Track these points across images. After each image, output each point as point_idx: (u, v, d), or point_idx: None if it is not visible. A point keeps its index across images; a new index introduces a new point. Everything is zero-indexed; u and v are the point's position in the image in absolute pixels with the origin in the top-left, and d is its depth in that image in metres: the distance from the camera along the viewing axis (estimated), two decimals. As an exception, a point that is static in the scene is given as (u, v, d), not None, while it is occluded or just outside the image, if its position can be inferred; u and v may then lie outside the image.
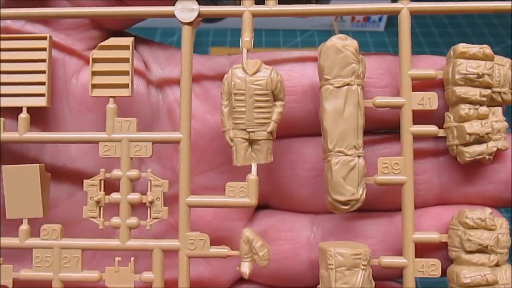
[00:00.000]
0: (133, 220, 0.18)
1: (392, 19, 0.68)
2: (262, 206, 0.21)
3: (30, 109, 0.18)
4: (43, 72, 0.18)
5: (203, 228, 0.19)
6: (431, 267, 0.17)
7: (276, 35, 0.58)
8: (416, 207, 0.18)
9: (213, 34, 0.62)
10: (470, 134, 0.17)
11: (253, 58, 0.19)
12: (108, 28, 0.20)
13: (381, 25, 0.61)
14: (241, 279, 0.21)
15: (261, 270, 0.18)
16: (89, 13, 0.18)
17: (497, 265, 0.17)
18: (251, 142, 0.18)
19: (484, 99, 0.17)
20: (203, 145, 0.20)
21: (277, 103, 0.18)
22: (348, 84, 0.17)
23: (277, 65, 0.19)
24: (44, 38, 0.18)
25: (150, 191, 0.18)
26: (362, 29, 0.62)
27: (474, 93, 0.17)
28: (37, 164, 0.18)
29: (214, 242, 0.18)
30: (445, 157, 0.19)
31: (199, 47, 0.58)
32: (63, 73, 0.19)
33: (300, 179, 0.20)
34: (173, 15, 0.18)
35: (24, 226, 0.18)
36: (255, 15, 0.18)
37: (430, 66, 0.18)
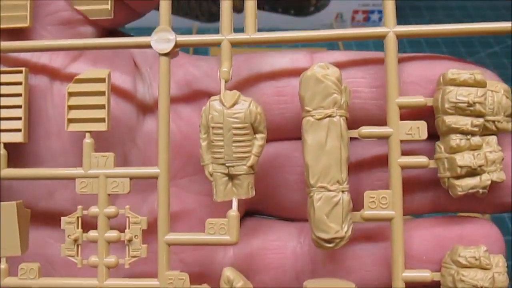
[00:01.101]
0: (112, 259, 0.17)
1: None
2: (250, 212, 0.21)
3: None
4: (19, 107, 0.18)
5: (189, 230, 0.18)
6: (423, 307, 0.16)
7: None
8: (411, 212, 0.18)
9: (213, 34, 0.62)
10: (461, 167, 0.16)
11: (247, 56, 0.19)
12: (102, 26, 0.19)
13: (381, 25, 0.61)
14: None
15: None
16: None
17: (494, 306, 0.16)
18: (231, 177, 0.17)
19: (476, 129, 0.16)
20: (189, 148, 0.19)
21: (258, 135, 0.17)
22: (330, 116, 0.16)
23: (268, 66, 0.19)
24: (20, 72, 0.18)
25: (128, 228, 0.18)
26: None
27: (465, 122, 0.16)
28: (14, 202, 0.18)
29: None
30: None
31: (199, 49, 0.59)
32: (50, 68, 0.19)
33: (290, 183, 0.20)
34: (149, 46, 0.18)
35: (2, 265, 0.18)
36: (233, 43, 0.18)
37: (423, 74, 0.17)
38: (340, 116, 0.16)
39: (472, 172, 0.16)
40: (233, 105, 0.17)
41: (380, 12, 0.61)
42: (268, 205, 0.21)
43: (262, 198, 0.20)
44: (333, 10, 0.62)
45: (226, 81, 0.17)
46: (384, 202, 0.17)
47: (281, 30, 0.18)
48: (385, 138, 0.17)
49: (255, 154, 0.17)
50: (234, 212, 0.17)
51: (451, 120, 0.16)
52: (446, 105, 0.16)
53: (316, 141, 0.16)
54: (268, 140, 0.18)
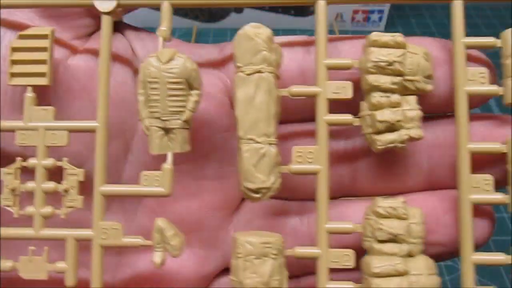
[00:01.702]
0: (48, 209, 0.18)
1: (392, 19, 0.69)
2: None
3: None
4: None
5: (187, 218, 0.19)
6: (345, 257, 0.17)
7: (276, 35, 0.58)
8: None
9: (213, 34, 0.63)
10: (381, 122, 0.17)
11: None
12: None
13: (381, 25, 0.62)
14: (226, 269, 0.21)
15: None
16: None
17: (410, 255, 0.17)
18: (167, 131, 0.18)
19: (395, 86, 0.17)
20: (190, 133, 0.19)
21: (193, 92, 0.18)
22: (259, 72, 0.17)
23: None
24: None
25: (65, 180, 0.18)
26: (362, 29, 0.63)
27: (384, 80, 0.17)
28: None
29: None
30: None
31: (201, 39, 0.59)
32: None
33: (362, 170, 0.20)
34: (92, 5, 0.18)
35: None
36: (174, 5, 0.18)
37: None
38: (270, 72, 0.17)
39: (391, 128, 0.17)
40: (169, 61, 0.18)
41: (380, 12, 0.61)
42: None
43: None
44: (333, 10, 0.63)
45: (164, 39, 0.18)
46: (311, 156, 0.18)
47: (281, 30, 0.19)
48: (313, 96, 0.18)
49: (190, 110, 0.18)
50: (168, 165, 0.18)
51: (372, 78, 0.17)
52: (368, 65, 0.17)
53: (246, 96, 0.17)
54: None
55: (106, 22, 0.18)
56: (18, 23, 0.19)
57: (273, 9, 0.62)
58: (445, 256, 0.18)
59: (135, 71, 0.20)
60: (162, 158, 0.18)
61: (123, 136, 0.20)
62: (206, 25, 0.61)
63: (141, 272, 0.21)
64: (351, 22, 0.63)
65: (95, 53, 0.19)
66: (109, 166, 0.19)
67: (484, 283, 0.39)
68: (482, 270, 0.39)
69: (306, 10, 0.63)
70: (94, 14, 0.19)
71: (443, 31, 0.62)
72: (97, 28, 0.20)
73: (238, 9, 0.62)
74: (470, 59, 0.18)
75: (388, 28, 0.62)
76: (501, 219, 0.45)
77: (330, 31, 0.60)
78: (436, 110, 0.19)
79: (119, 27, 0.21)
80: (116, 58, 0.20)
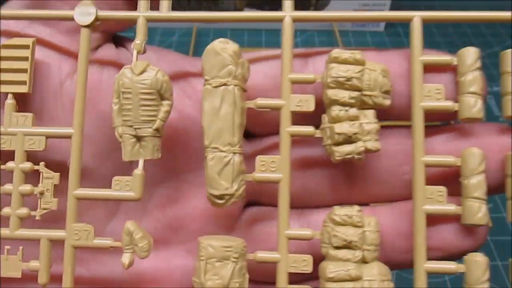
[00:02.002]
0: (24, 211, 0.19)
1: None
2: (251, 203, 0.22)
3: (22, 108, 0.19)
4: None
5: (193, 221, 0.20)
6: (303, 262, 0.18)
7: (276, 35, 0.60)
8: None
9: (213, 34, 0.64)
10: (339, 134, 0.18)
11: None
12: (109, 31, 0.21)
13: (381, 25, 0.63)
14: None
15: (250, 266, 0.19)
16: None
17: (365, 261, 0.18)
18: (139, 139, 0.19)
19: (353, 101, 0.18)
20: (193, 143, 0.21)
21: (164, 102, 0.19)
22: (224, 84, 0.18)
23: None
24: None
25: (41, 183, 0.19)
26: (362, 29, 0.63)
27: (343, 95, 0.18)
28: None
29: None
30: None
31: (200, 47, 0.60)
32: (58, 74, 0.20)
33: (322, 179, 0.21)
34: (72, 18, 0.19)
35: None
36: (149, 20, 0.19)
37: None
38: (235, 85, 0.18)
39: (349, 140, 0.18)
40: (142, 72, 0.19)
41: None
42: (268, 195, 0.22)
43: (263, 189, 0.21)
44: (333, 10, 0.63)
45: (138, 52, 0.19)
46: (273, 165, 0.19)
47: (281, 30, 0.19)
48: (278, 109, 0.19)
49: (160, 119, 0.19)
50: (139, 171, 0.19)
51: (332, 93, 0.18)
52: (329, 80, 0.18)
53: (211, 107, 0.18)
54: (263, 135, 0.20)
55: (85, 35, 0.19)
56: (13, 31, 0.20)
57: (273, 9, 0.62)
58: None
59: None
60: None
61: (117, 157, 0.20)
62: (206, 25, 0.62)
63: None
64: (351, 23, 0.64)
65: (101, 64, 0.20)
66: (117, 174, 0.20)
67: None
68: None
69: (306, 10, 0.63)
70: (101, 29, 0.20)
71: (443, 31, 0.61)
72: (105, 40, 0.21)
73: (238, 9, 0.62)
74: None
75: (388, 28, 0.61)
76: (501, 219, 0.45)
77: (330, 31, 0.61)
78: (398, 119, 0.20)
79: (122, 41, 0.22)
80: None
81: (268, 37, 0.61)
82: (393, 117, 0.20)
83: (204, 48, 0.19)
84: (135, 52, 0.19)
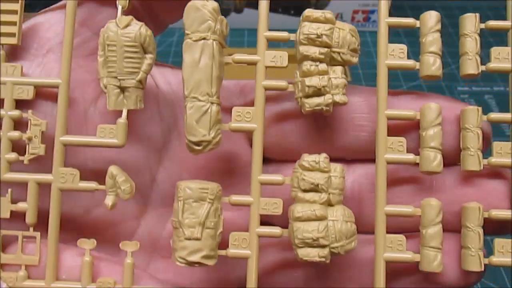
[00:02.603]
0: (12, 155, 0.20)
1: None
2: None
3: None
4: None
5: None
6: (274, 205, 0.20)
7: None
8: None
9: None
10: (309, 87, 0.19)
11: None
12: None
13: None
14: None
15: None
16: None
17: (330, 204, 0.19)
18: (123, 90, 0.20)
19: (323, 56, 0.19)
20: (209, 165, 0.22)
21: (147, 55, 0.20)
22: (204, 39, 0.19)
23: None
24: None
25: (30, 130, 0.20)
26: (362, 29, 0.64)
27: (314, 51, 0.19)
28: None
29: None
30: None
31: None
32: (83, 101, 0.21)
33: (296, 131, 0.22)
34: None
35: None
36: (134, -22, 0.21)
37: None
38: (214, 40, 0.19)
39: (318, 93, 0.19)
40: (126, 26, 0.20)
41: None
42: (278, 150, 0.22)
43: (272, 145, 0.21)
44: (333, 10, 0.63)
45: (122, 8, 0.20)
46: (248, 116, 0.20)
47: (281, 30, 0.20)
48: (253, 64, 0.20)
49: (143, 71, 0.20)
50: (122, 120, 0.20)
51: (304, 48, 0.19)
52: (301, 37, 0.19)
53: (192, 59, 0.19)
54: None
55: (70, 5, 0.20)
56: None
57: (273, 9, 0.63)
58: None
59: (160, 108, 0.22)
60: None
61: (149, 169, 0.22)
62: None
63: None
64: (351, 22, 0.65)
65: None
66: (138, 194, 0.21)
67: (485, 283, 0.40)
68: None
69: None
70: None
71: (443, 31, 0.63)
72: None
73: (238, 9, 0.63)
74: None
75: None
76: None
77: None
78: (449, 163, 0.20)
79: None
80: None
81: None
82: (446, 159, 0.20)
83: None
84: (120, 7, 0.20)
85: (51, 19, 0.21)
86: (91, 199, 0.21)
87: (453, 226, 0.20)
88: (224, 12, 0.64)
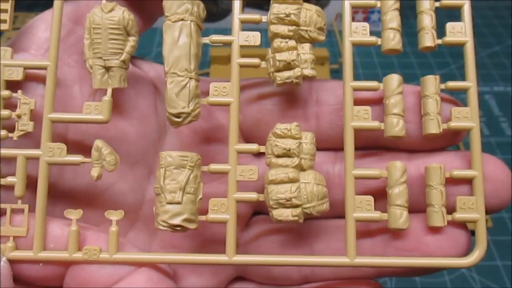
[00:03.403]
0: (2, 132, 0.21)
1: None
2: (257, 212, 0.25)
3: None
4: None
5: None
6: (250, 171, 0.21)
7: None
8: None
9: (213, 34, 0.65)
10: (279, 61, 0.21)
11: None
12: None
13: (381, 25, 0.65)
14: (236, 279, 0.24)
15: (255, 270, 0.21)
16: None
17: (303, 169, 0.21)
18: (107, 70, 0.22)
19: (291, 33, 0.21)
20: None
21: (130, 38, 0.22)
22: (182, 20, 0.21)
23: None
24: None
25: (19, 108, 0.21)
26: None
27: (283, 29, 0.21)
28: None
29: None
30: None
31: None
32: (81, 96, 0.22)
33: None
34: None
35: None
36: (117, -31, 0.22)
37: None
38: (191, 21, 0.21)
39: (288, 67, 0.21)
40: (110, 11, 0.21)
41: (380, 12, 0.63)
42: None
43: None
44: (333, 10, 0.65)
45: (107, -3, 0.22)
46: (225, 91, 0.21)
47: None
48: (229, 43, 0.22)
49: (127, 52, 0.22)
50: (107, 97, 0.21)
51: (274, 27, 0.21)
52: (271, 17, 0.21)
53: (171, 38, 0.21)
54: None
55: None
56: None
57: None
58: None
59: (157, 105, 0.24)
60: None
61: (146, 163, 0.23)
62: (206, 25, 0.64)
63: None
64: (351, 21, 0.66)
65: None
66: (135, 187, 0.23)
67: (485, 283, 0.40)
68: (483, 271, 0.41)
69: None
70: None
71: (443, 31, 0.64)
72: None
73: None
74: (444, 100, 0.21)
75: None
76: (501, 219, 0.46)
77: (330, 31, 0.63)
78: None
79: (138, 64, 0.24)
80: (139, 91, 0.23)
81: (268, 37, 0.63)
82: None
83: (204, 48, 0.22)
84: (105, -4, 0.22)
85: (49, 20, 0.22)
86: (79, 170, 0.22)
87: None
88: (224, 12, 0.65)
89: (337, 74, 0.58)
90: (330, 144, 0.23)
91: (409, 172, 0.21)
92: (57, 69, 0.21)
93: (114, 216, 0.21)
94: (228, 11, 0.65)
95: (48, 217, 0.21)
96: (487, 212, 0.20)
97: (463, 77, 0.21)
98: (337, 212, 0.22)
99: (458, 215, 0.20)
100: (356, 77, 0.21)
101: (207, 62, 0.60)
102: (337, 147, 0.22)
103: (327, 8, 0.66)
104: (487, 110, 0.56)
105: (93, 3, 0.22)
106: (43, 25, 0.22)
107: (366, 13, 0.63)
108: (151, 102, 0.24)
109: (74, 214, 0.21)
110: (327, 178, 0.22)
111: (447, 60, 0.62)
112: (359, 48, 0.64)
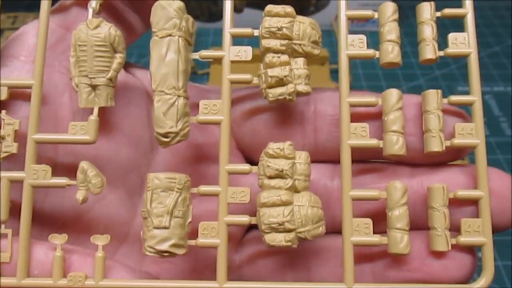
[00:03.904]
0: (-14, 154, 0.21)
1: None
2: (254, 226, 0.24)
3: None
4: None
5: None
6: (241, 193, 0.20)
7: None
8: None
9: (213, 34, 0.65)
10: (271, 77, 0.20)
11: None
12: None
13: (379, 37, 0.65)
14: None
15: None
16: None
17: (297, 191, 0.19)
18: (93, 88, 0.21)
19: (284, 48, 0.20)
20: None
21: (117, 55, 0.21)
22: (170, 35, 0.20)
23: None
24: None
25: (3, 128, 0.21)
26: (362, 29, 0.65)
27: (275, 43, 0.20)
28: None
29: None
30: None
31: (200, 47, 0.61)
32: (68, 88, 0.21)
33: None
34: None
35: None
36: (105, -16, 0.22)
37: None
38: (179, 36, 0.20)
39: (281, 83, 0.20)
40: (96, 27, 0.21)
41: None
42: None
43: None
44: (333, 10, 0.64)
45: (93, 11, 0.21)
46: (215, 109, 0.20)
47: None
48: (219, 59, 0.21)
49: (113, 69, 0.21)
50: (94, 117, 0.21)
51: (266, 42, 0.20)
52: (263, 31, 0.20)
53: (158, 55, 0.20)
54: None
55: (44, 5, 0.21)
56: None
57: None
58: None
59: (150, 111, 0.23)
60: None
61: (139, 170, 0.23)
62: (206, 25, 0.63)
63: None
64: (351, 22, 0.66)
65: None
66: (127, 196, 0.22)
67: None
68: None
69: (306, 10, 0.64)
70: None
71: (442, 31, 0.64)
72: None
73: (238, 9, 0.63)
74: (448, 112, 0.20)
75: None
76: None
77: (330, 31, 0.62)
78: None
79: (133, 71, 0.24)
80: (132, 99, 0.22)
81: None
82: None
83: (204, 48, 0.21)
84: (90, 10, 0.21)
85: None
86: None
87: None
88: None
89: (337, 74, 0.58)
90: (328, 157, 0.22)
91: (412, 187, 0.20)
92: (42, 87, 0.21)
93: (100, 241, 0.20)
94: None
95: (33, 240, 0.20)
96: (493, 231, 0.19)
97: (463, 77, 0.21)
98: (336, 227, 0.21)
99: (463, 239, 0.19)
100: (355, 76, 0.20)
101: (207, 62, 0.59)
102: (336, 160, 0.21)
103: (327, 8, 0.65)
104: (487, 110, 0.56)
105: (84, 10, 0.22)
106: (33, 32, 0.22)
107: (366, 14, 0.63)
108: (143, 112, 0.23)
109: (59, 238, 0.20)
110: (325, 192, 0.21)
111: (447, 60, 0.60)
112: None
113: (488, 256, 0.19)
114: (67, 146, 0.21)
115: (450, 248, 0.19)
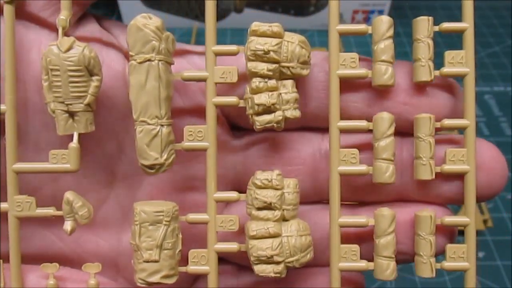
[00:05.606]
0: (-34, 185, 0.20)
1: (392, 18, 0.67)
2: None
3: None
4: None
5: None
6: (230, 222, 0.20)
7: None
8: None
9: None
10: (258, 105, 0.19)
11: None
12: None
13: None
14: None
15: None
16: None
17: (285, 220, 0.20)
18: (71, 114, 0.20)
19: (271, 73, 0.19)
20: None
21: (94, 77, 0.20)
22: (149, 60, 0.19)
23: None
24: None
25: (-19, 158, 0.20)
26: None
27: (262, 67, 0.19)
28: None
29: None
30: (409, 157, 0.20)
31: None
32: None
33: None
34: (-6, -5, 0.19)
35: None
36: (73, -6, 0.20)
37: None
38: (159, 60, 0.19)
39: (268, 110, 0.19)
40: (69, 49, 0.19)
41: (380, 12, 0.61)
42: None
43: None
44: None
45: (63, 28, 0.19)
46: (200, 135, 0.20)
47: None
48: (203, 80, 0.20)
49: (91, 94, 0.20)
50: (74, 144, 0.20)
51: (252, 65, 0.19)
52: (248, 53, 0.19)
53: (138, 82, 0.19)
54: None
55: (8, 11, 0.19)
56: None
57: (273, 9, 0.62)
58: None
59: (125, 75, 0.21)
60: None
61: (116, 138, 0.21)
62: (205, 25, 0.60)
63: None
64: (351, 22, 0.63)
65: (84, 42, 0.19)
66: (105, 165, 0.21)
67: (485, 283, 0.40)
68: (483, 271, 0.41)
69: (306, 10, 0.63)
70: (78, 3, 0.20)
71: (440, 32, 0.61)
72: (80, 13, 0.20)
73: (238, 9, 0.61)
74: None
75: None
76: (501, 219, 0.46)
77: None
78: None
79: (109, 26, 0.22)
80: (105, 63, 0.20)
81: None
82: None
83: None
84: (60, 29, 0.19)
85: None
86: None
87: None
88: (224, 12, 0.62)
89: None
90: (317, 124, 0.21)
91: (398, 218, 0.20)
92: (17, 114, 0.20)
93: (92, 269, 0.20)
94: (228, 11, 0.60)
95: (26, 266, 0.20)
96: (477, 201, 0.20)
97: (460, 83, 0.20)
98: (322, 199, 0.22)
99: (448, 264, 0.19)
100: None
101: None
102: (325, 127, 0.21)
103: (327, 8, 0.61)
104: (487, 110, 0.56)
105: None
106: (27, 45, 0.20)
107: (366, 14, 0.62)
108: (117, 73, 0.21)
109: (50, 268, 0.20)
110: (313, 163, 0.21)
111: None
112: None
113: (470, 281, 0.19)
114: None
115: (434, 275, 0.19)
